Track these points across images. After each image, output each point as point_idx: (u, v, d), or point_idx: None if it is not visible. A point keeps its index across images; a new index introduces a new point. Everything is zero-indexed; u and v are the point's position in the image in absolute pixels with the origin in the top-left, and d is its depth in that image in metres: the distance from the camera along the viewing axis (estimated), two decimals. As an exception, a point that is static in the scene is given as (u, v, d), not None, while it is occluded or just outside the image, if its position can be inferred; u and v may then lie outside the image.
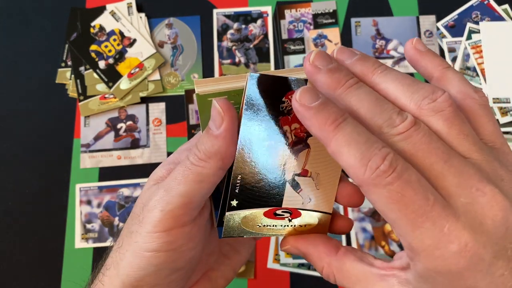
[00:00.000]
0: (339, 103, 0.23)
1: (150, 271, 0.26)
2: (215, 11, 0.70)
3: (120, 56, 0.68)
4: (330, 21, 0.68)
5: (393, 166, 0.20)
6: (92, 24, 0.70)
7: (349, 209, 0.62)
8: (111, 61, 0.68)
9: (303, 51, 0.68)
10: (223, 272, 0.32)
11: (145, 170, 0.65)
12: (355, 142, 0.20)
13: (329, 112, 0.21)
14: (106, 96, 0.67)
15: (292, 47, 0.68)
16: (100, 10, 0.71)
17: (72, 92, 0.68)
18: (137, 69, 0.67)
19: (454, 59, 0.65)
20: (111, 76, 0.68)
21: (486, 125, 0.23)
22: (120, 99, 0.67)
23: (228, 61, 0.68)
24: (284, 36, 0.69)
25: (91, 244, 0.62)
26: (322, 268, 0.28)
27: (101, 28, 0.69)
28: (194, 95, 0.26)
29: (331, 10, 0.69)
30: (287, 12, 0.69)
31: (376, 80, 0.23)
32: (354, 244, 0.61)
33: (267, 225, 0.29)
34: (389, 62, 0.67)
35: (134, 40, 0.69)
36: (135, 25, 0.69)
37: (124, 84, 0.67)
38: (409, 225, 0.20)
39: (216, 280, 0.32)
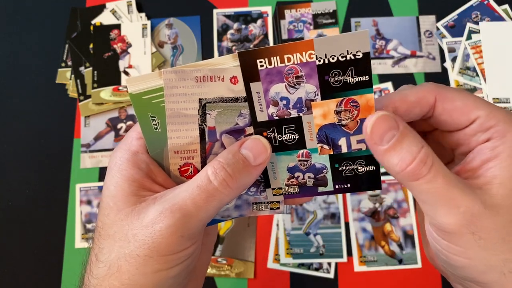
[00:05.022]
0: None
1: (168, 284, 0.26)
2: (215, 11, 0.70)
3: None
4: (330, 21, 0.68)
5: None
6: (93, 22, 0.70)
7: (349, 209, 0.62)
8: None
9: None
10: (203, 259, 0.33)
11: (145, 170, 0.65)
12: None
13: None
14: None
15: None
16: (100, 9, 0.71)
17: (72, 92, 0.68)
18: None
19: (454, 59, 0.65)
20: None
21: None
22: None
23: (228, 61, 0.68)
24: (284, 36, 0.69)
25: (91, 244, 0.62)
26: None
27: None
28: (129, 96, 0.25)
29: (331, 10, 0.69)
30: (287, 12, 0.69)
31: None
32: (354, 244, 0.61)
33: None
34: (389, 62, 0.67)
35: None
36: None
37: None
38: None
39: (201, 268, 0.33)
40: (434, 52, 0.67)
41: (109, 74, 0.68)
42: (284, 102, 0.27)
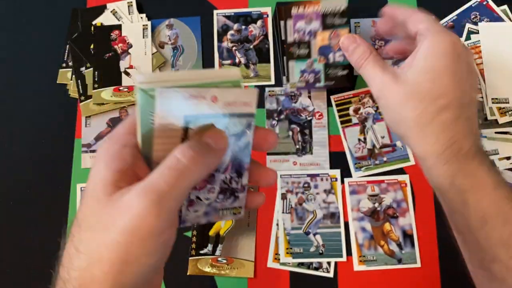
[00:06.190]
0: None
1: (147, 271, 0.27)
2: (215, 12, 0.71)
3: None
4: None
5: None
6: (93, 22, 0.71)
7: (348, 208, 0.62)
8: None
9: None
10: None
11: (145, 170, 0.65)
12: None
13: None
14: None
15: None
16: (101, 9, 0.72)
17: (73, 92, 0.68)
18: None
19: (453, 60, 0.66)
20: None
21: None
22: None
23: (229, 61, 0.69)
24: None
25: (92, 244, 0.62)
26: None
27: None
28: (136, 90, 0.27)
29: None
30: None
31: None
32: (353, 244, 0.61)
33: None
34: (388, 63, 0.67)
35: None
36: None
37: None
38: None
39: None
40: (433, 53, 0.68)
41: (110, 75, 0.68)
42: (303, 32, 0.60)
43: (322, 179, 0.63)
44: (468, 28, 0.66)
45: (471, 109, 0.42)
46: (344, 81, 0.60)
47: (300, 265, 0.61)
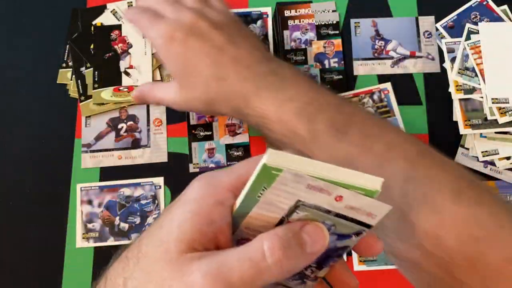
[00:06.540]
0: None
1: None
2: (215, 11, 0.70)
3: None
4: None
5: None
6: (93, 22, 0.71)
7: (349, 209, 0.62)
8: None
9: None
10: None
11: (145, 169, 0.65)
12: None
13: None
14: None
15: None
16: (101, 9, 0.72)
17: (73, 92, 0.68)
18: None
19: (453, 60, 0.66)
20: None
21: None
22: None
23: (228, 61, 0.68)
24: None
25: (92, 244, 0.63)
26: None
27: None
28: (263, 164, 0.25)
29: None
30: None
31: None
32: (353, 244, 0.61)
33: None
34: (388, 63, 0.67)
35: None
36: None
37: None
38: None
39: None
40: (433, 53, 0.68)
41: (110, 75, 0.68)
42: (299, 41, 0.65)
43: (322, 179, 0.63)
44: (468, 28, 0.66)
45: (236, 51, 0.51)
46: (339, 85, 0.64)
47: (300, 265, 0.61)
